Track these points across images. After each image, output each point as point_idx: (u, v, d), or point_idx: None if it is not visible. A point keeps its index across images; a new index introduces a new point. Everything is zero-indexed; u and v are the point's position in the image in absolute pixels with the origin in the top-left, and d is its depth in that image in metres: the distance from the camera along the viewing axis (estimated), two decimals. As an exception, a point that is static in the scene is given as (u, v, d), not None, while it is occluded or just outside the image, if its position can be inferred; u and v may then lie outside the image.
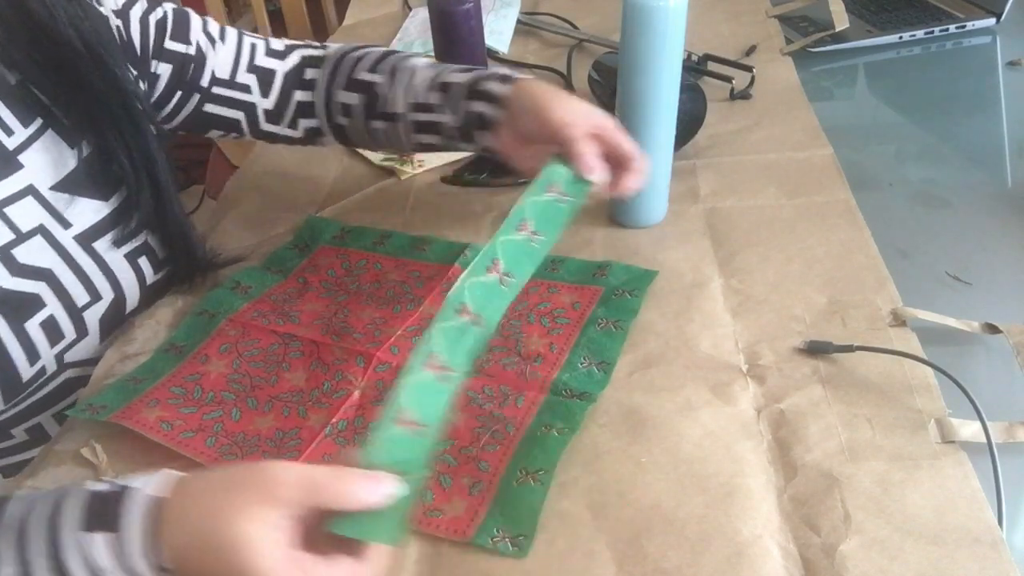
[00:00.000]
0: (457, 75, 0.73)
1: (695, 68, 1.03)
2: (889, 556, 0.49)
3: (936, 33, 1.10)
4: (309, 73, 0.79)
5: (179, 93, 0.74)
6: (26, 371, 0.64)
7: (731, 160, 0.87)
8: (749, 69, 1.00)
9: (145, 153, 0.68)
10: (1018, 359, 0.60)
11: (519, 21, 1.25)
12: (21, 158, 0.64)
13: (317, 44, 0.83)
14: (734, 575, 0.49)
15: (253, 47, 0.77)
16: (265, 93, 0.78)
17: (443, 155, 0.95)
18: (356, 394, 0.64)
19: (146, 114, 0.69)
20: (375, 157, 0.97)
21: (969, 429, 0.55)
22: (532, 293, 0.71)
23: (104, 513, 0.44)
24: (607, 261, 0.73)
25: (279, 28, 1.94)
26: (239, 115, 0.78)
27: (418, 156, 0.96)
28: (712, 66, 1.03)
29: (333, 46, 0.82)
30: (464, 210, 0.85)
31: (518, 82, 0.69)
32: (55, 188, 0.66)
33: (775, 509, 0.53)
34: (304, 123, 0.80)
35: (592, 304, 0.70)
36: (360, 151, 0.98)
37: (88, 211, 0.67)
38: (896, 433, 0.56)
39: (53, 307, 0.65)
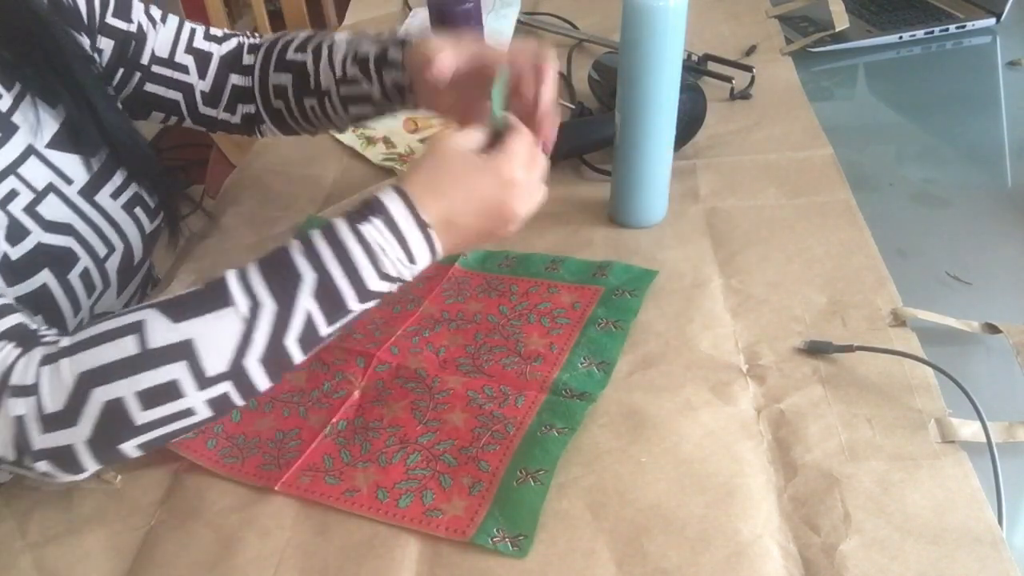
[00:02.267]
0: (369, 46, 0.73)
1: (695, 68, 1.03)
2: (889, 556, 0.49)
3: (936, 33, 1.10)
4: (247, 59, 0.82)
5: (121, 70, 0.76)
6: (71, 320, 0.67)
7: (731, 160, 0.87)
8: (749, 69, 1.00)
9: (94, 108, 0.70)
10: (1018, 359, 0.60)
11: (519, 21, 1.25)
12: (14, 119, 0.66)
13: (256, 34, 0.85)
14: (734, 575, 0.49)
15: (193, 31, 0.80)
16: (202, 75, 0.79)
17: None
18: (356, 394, 0.64)
19: (93, 76, 0.71)
20: (375, 157, 0.97)
21: (969, 429, 0.55)
22: (532, 293, 0.71)
23: (370, 209, 0.54)
24: (607, 261, 0.73)
25: (279, 28, 1.93)
26: (178, 96, 0.79)
27: (418, 156, 0.96)
28: (712, 66, 1.03)
29: (270, 35, 0.85)
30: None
31: (414, 45, 0.68)
32: (49, 146, 0.68)
33: (775, 509, 0.53)
34: (242, 108, 0.82)
35: (592, 304, 0.69)
36: (360, 151, 0.98)
37: (81, 166, 0.70)
38: (896, 433, 0.56)
39: (84, 260, 0.69)
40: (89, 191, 0.70)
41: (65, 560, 0.55)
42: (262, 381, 0.53)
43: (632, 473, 0.56)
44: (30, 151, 0.66)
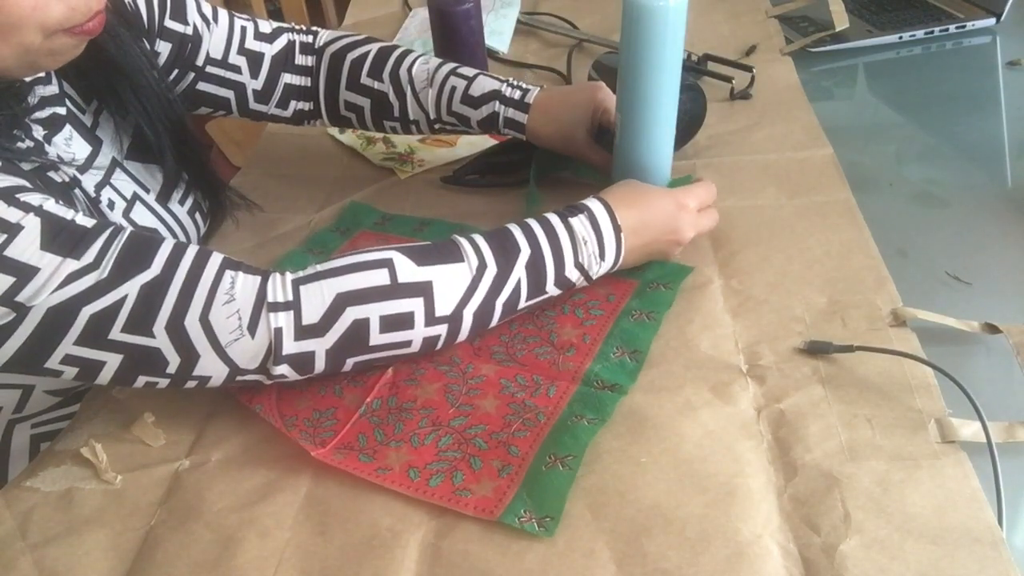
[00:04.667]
0: (463, 103, 0.80)
1: (695, 68, 1.03)
2: (889, 556, 0.49)
3: (936, 33, 1.10)
4: (301, 59, 0.85)
5: (176, 71, 0.78)
6: None
7: (731, 160, 0.87)
8: (749, 69, 1.00)
9: (166, 118, 0.73)
10: (1018, 359, 0.60)
11: (519, 21, 1.25)
12: (98, 133, 0.70)
13: (304, 28, 0.87)
14: (734, 575, 0.49)
15: (243, 29, 0.81)
16: (254, 74, 0.82)
17: (443, 155, 0.95)
18: (389, 372, 0.65)
19: (158, 84, 0.72)
20: (375, 157, 0.97)
21: (969, 429, 0.55)
22: None
23: (578, 208, 0.66)
24: None
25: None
26: (229, 94, 0.82)
27: (418, 156, 0.96)
28: (712, 66, 1.03)
29: (322, 33, 0.86)
30: (464, 210, 0.85)
31: (532, 106, 0.79)
32: (128, 158, 0.73)
33: (775, 509, 0.53)
34: (295, 105, 0.86)
35: (627, 296, 0.70)
36: (360, 152, 0.98)
37: (154, 175, 0.75)
38: (896, 433, 0.56)
39: None
40: (163, 199, 0.75)
41: (65, 560, 0.55)
42: (466, 332, 0.63)
43: (632, 473, 0.56)
44: (115, 163, 0.71)
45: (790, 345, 0.64)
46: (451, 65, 0.82)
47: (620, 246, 0.66)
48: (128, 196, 0.71)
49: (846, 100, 1.02)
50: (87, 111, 0.70)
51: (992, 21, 1.10)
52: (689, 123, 0.86)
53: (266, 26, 0.83)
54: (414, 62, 0.82)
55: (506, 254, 0.62)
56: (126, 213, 0.70)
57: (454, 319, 0.61)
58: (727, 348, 0.64)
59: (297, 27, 0.87)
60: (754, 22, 1.17)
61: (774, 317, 0.67)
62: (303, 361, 0.58)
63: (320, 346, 0.58)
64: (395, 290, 0.59)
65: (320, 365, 0.59)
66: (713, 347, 0.65)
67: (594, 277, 0.67)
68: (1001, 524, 0.50)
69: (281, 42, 0.83)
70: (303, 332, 0.57)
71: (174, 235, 0.75)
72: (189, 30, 0.77)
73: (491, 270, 0.62)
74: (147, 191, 0.73)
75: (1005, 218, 0.76)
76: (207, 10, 0.79)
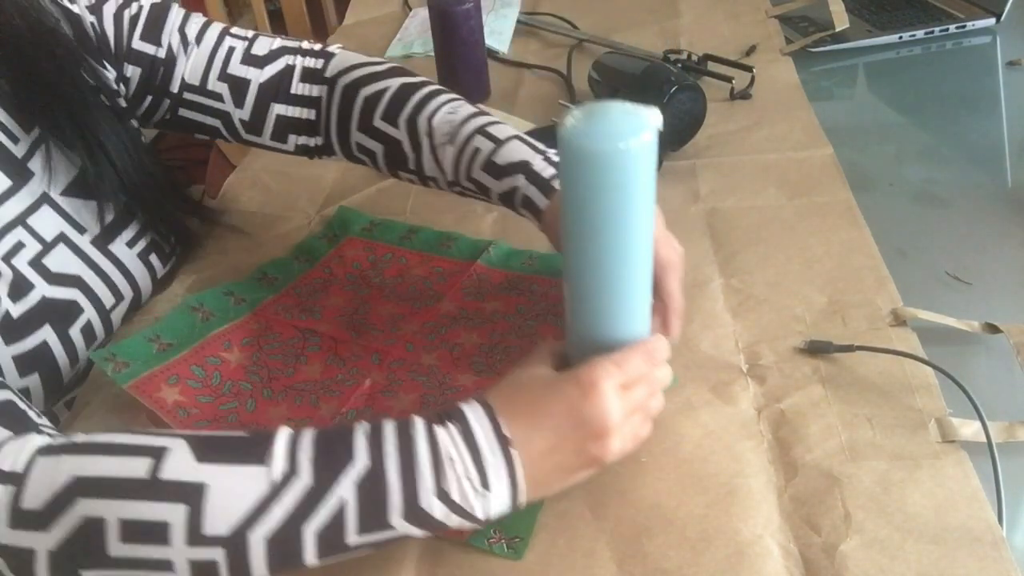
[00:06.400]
0: (483, 171, 0.65)
1: (695, 68, 1.03)
2: (889, 556, 0.49)
3: (936, 33, 1.10)
4: (301, 88, 0.74)
5: (150, 97, 0.72)
6: (67, 374, 0.65)
7: (731, 160, 0.87)
8: (749, 69, 1.00)
9: (119, 153, 0.67)
10: (1018, 359, 0.60)
11: (519, 21, 1.25)
12: (30, 165, 0.64)
13: (314, 49, 0.75)
14: (734, 575, 0.49)
15: (230, 51, 0.73)
16: (239, 103, 0.73)
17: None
18: (367, 382, 0.64)
19: (115, 112, 0.68)
20: (375, 157, 0.96)
21: (969, 429, 0.55)
22: (552, 293, 0.71)
23: (448, 414, 0.48)
24: None
25: (279, 28, 1.94)
26: (216, 122, 0.74)
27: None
28: (712, 66, 1.03)
29: (336, 58, 0.75)
30: (464, 210, 0.85)
31: (554, 195, 0.62)
32: (65, 193, 0.66)
33: (775, 509, 0.53)
34: (295, 139, 0.75)
35: None
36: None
37: (98, 213, 0.68)
38: (896, 433, 0.56)
39: (89, 312, 0.67)
40: (103, 240, 0.69)
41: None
42: (260, 566, 0.44)
43: (632, 473, 0.56)
44: (43, 199, 0.65)
45: (790, 345, 0.64)
46: (482, 120, 0.66)
47: (513, 465, 0.46)
48: (49, 238, 0.64)
49: (846, 100, 1.02)
50: (21, 140, 0.64)
51: (992, 21, 1.10)
52: (689, 123, 0.86)
53: (262, 47, 0.73)
54: (438, 110, 0.67)
55: (331, 463, 0.45)
56: (37, 259, 0.63)
57: (235, 545, 0.43)
58: (727, 348, 0.64)
59: (306, 48, 0.75)
60: (754, 22, 1.17)
61: (774, 317, 0.67)
62: (20, 561, 0.43)
63: (41, 544, 0.43)
64: (150, 488, 0.43)
65: (43, 573, 0.44)
66: (713, 347, 0.65)
67: (481, 516, 0.46)
68: (1001, 524, 0.50)
69: (275, 67, 0.73)
70: (21, 518, 0.43)
71: (105, 278, 0.68)
72: (161, 52, 0.70)
73: (301, 482, 0.44)
74: (81, 231, 0.67)
75: (1005, 218, 0.76)
76: (191, 29, 0.72)
